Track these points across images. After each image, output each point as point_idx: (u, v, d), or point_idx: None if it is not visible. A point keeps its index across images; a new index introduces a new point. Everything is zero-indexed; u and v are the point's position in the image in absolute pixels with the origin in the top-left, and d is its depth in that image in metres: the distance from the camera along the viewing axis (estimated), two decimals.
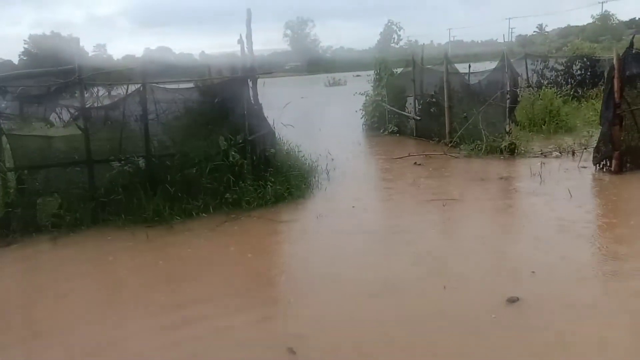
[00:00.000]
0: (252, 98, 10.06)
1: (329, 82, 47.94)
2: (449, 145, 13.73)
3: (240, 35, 9.94)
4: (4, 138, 8.76)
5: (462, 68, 15.40)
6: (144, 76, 9.55)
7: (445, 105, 14.15)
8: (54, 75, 10.21)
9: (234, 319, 5.50)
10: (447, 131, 14.12)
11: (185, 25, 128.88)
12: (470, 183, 10.48)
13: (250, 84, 10.05)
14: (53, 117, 11.04)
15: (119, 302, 6.28)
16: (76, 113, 9.33)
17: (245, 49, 9.98)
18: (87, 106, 9.24)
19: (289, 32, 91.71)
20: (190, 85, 10.83)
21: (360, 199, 9.74)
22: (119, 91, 10.73)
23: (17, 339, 5.43)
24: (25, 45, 40.20)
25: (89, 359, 4.97)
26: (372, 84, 19.33)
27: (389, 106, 17.33)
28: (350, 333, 5.07)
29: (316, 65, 75.33)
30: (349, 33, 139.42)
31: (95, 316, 5.83)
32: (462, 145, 13.29)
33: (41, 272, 7.38)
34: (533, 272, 6.13)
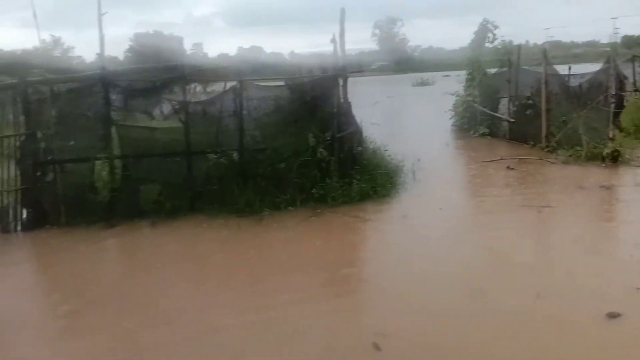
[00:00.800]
0: (342, 96, 10.17)
1: (417, 82, 47.18)
2: (545, 149, 13.05)
3: (334, 34, 10.07)
4: (113, 128, 9.49)
5: (560, 69, 14.58)
6: (241, 74, 9.95)
7: (543, 107, 13.46)
8: (160, 71, 10.89)
9: (319, 308, 5.63)
10: (543, 135, 13.43)
11: (276, 25, 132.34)
12: (568, 190, 9.89)
13: (341, 82, 10.17)
14: (157, 110, 11.79)
15: (210, 283, 6.64)
16: (178, 107, 9.88)
17: (338, 47, 10.09)
18: (188, 101, 9.77)
19: (377, 31, 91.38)
20: (282, 83, 11.12)
21: (448, 202, 9.55)
22: (213, 88, 11.25)
23: (114, 305, 5.93)
24: (130, 43, 43.29)
25: (170, 327, 5.29)
26: (462, 84, 18.80)
27: (480, 107, 16.78)
28: (436, 335, 5.00)
29: (403, 64, 74.47)
30: (436, 32, 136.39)
31: (186, 294, 6.25)
32: (559, 151, 12.58)
33: (141, 252, 8.01)
34: (638, 288, 5.70)
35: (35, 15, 10.67)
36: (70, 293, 6.46)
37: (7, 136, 8.93)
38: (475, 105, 17.07)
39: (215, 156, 9.69)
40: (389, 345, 4.76)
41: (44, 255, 8.03)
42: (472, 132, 16.93)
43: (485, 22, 17.70)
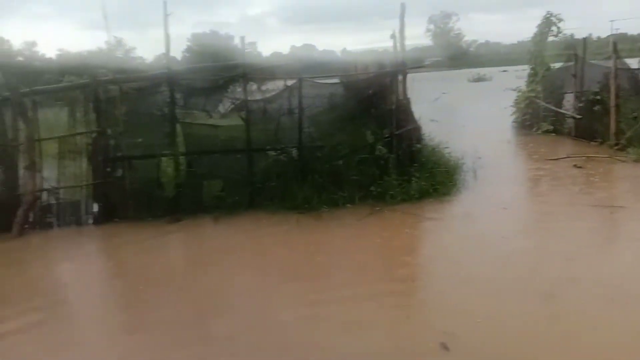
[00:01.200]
0: (401, 92, 10.06)
1: (473, 78, 46.00)
2: (614, 147, 12.41)
3: (394, 30, 9.98)
4: (177, 126, 9.79)
5: (629, 64, 13.82)
6: (300, 72, 10.02)
7: (612, 103, 12.80)
8: (221, 70, 11.14)
9: (381, 305, 5.62)
10: (612, 132, 12.77)
11: (327, 23, 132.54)
12: None
13: (400, 78, 10.07)
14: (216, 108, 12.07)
15: (271, 276, 6.76)
16: (240, 105, 10.08)
17: (398, 43, 9.99)
18: (249, 99, 9.94)
19: (431, 26, 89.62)
20: (338, 80, 11.12)
21: (511, 201, 9.27)
22: (267, 86, 11.38)
23: (181, 295, 6.13)
24: (188, 43, 44.51)
25: (233, 318, 5.40)
26: (522, 80, 18.16)
27: (544, 103, 16.17)
28: (506, 338, 4.86)
29: (458, 60, 72.72)
30: (493, 27, 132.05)
31: (248, 286, 6.43)
32: (629, 149, 11.93)
33: (205, 246, 8.27)
34: None
35: (105, 17, 11.08)
36: (139, 282, 6.77)
37: (80, 133, 9.39)
38: (538, 101, 16.46)
39: (275, 153, 9.83)
40: (458, 346, 4.67)
41: (115, 247, 8.40)
42: (534, 129, 16.32)
43: (548, 15, 16.99)
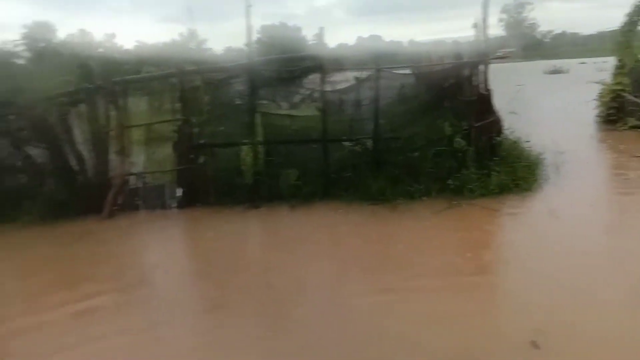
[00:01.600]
0: (482, 83, 9.79)
1: (549, 70, 43.93)
2: None
3: (478, 19, 9.71)
4: (257, 115, 10.02)
5: None
6: (377, 62, 9.96)
7: None
8: (297, 61, 11.25)
9: (465, 297, 5.55)
10: None
11: (394, 14, 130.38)
12: None
13: (480, 69, 9.79)
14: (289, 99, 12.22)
15: (344, 264, 6.87)
16: (309, 95, 10.18)
17: (481, 32, 9.73)
18: (325, 90, 10.00)
19: (504, 16, 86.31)
20: (411, 71, 10.94)
21: (598, 198, 8.83)
22: (338, 77, 11.36)
23: (258, 278, 6.38)
24: (258, 35, 45.42)
25: (308, 301, 5.51)
26: (605, 72, 17.12)
27: (632, 97, 15.19)
28: (594, 337, 4.68)
29: (532, 51, 69.79)
30: (570, 16, 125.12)
31: (321, 272, 6.59)
32: None
33: (282, 233, 8.49)
34: None
35: (189, 11, 11.46)
36: (218, 264, 7.10)
37: (166, 121, 9.83)
38: (626, 95, 15.48)
39: (350, 144, 9.86)
40: (548, 344, 4.54)
41: (197, 231, 8.76)
42: (619, 125, 15.39)
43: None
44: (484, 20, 9.66)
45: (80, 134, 9.62)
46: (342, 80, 10.69)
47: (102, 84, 9.50)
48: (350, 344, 4.85)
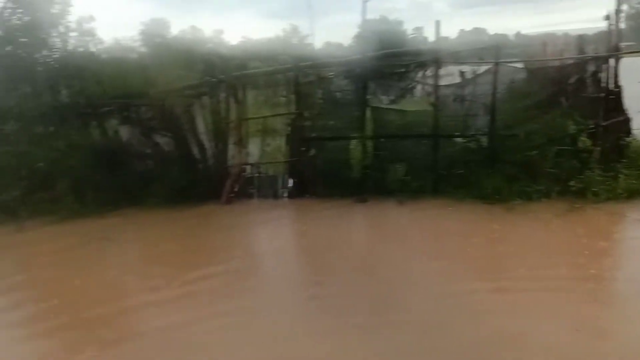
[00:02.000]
0: (612, 80, 9.10)
1: None
2: None
3: (609, 10, 9.03)
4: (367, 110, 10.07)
5: None
6: (497, 56, 9.60)
7: None
8: (409, 56, 11.11)
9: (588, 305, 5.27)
10: None
11: (500, 5, 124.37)
12: None
13: (611, 64, 9.11)
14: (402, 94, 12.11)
15: (456, 260, 6.78)
16: (430, 90, 10.03)
17: (612, 24, 9.03)
18: (439, 84, 9.81)
19: (625, 6, 79.42)
20: (524, 65, 10.38)
21: None
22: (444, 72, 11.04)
23: (365, 268, 6.36)
24: (358, 29, 45.51)
25: (414, 290, 5.45)
26: None
27: None
28: None
29: None
30: None
31: (431, 265, 6.67)
32: None
33: (390, 226, 8.58)
34: None
35: (309, 6, 11.68)
36: (325, 251, 7.39)
37: (281, 114, 10.19)
38: None
39: (464, 140, 9.62)
40: None
41: (306, 220, 9.03)
42: None
43: None
44: (617, 10, 8.97)
45: (202, 124, 10.24)
46: (446, 74, 10.43)
47: (224, 77, 10.04)
48: (461, 342, 4.81)
